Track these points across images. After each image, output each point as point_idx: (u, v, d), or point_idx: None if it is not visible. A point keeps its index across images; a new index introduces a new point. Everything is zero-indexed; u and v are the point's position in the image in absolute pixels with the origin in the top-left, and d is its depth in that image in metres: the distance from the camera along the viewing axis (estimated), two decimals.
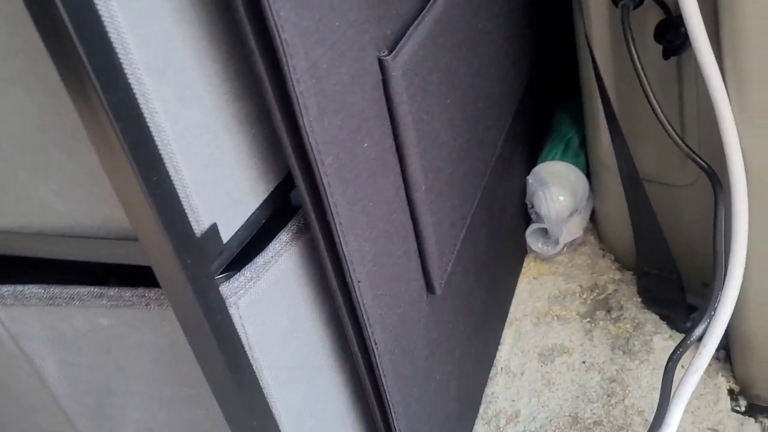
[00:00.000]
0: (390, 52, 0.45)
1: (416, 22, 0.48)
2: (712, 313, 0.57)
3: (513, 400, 0.77)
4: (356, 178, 0.43)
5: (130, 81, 0.31)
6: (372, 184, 0.45)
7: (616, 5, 0.68)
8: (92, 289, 0.40)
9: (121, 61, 0.30)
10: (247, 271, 0.41)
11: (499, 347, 0.84)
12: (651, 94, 0.66)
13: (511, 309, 0.88)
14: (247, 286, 0.40)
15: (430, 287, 0.56)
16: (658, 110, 0.65)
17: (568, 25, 0.83)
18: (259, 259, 0.41)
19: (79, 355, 0.45)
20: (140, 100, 0.31)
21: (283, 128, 0.37)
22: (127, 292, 0.40)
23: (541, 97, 0.99)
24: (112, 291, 0.40)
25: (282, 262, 0.43)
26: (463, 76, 0.58)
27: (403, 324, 0.52)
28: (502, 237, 0.82)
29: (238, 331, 0.40)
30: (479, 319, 0.75)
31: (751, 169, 0.59)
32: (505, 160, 0.80)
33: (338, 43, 0.39)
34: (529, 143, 0.94)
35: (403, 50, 0.45)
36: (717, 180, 0.63)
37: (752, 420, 0.72)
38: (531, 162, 0.94)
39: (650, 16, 0.71)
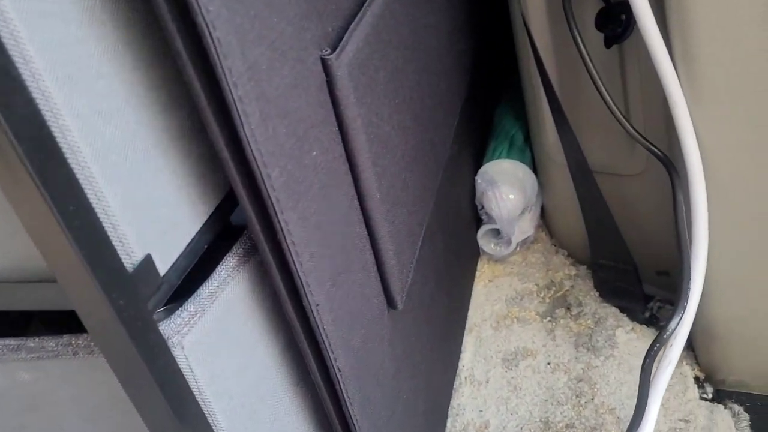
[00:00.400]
0: (333, 50, 0.40)
1: (358, 17, 0.44)
2: (685, 303, 0.55)
3: (480, 411, 0.74)
4: (307, 191, 0.38)
5: (33, 95, 0.26)
6: (325, 195, 0.41)
7: None
8: (8, 342, 0.34)
9: (20, 71, 0.25)
10: (191, 305, 0.36)
11: (461, 355, 0.80)
12: (600, 83, 0.64)
13: (470, 314, 0.85)
14: (191, 322, 0.35)
15: (391, 302, 0.52)
16: (609, 100, 0.63)
17: (505, 17, 0.81)
18: (203, 290, 0.37)
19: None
20: (47, 116, 0.26)
21: (221, 140, 0.33)
22: (50, 342, 0.34)
23: (484, 93, 0.97)
24: (32, 342, 0.34)
25: (230, 291, 0.38)
26: (409, 74, 0.54)
27: (366, 345, 0.48)
28: (456, 241, 0.79)
29: (184, 374, 0.35)
30: (441, 328, 0.71)
31: (706, 153, 0.57)
32: (455, 160, 0.77)
33: (278, 42, 0.35)
34: (475, 142, 0.91)
35: (347, 48, 0.41)
36: (672, 167, 0.61)
37: (721, 407, 0.71)
38: (477, 161, 0.92)
39: (589, 5, 0.70)
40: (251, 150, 0.33)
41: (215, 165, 0.37)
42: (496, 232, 0.90)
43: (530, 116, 0.87)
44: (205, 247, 0.37)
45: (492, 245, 0.91)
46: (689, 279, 0.56)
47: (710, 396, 0.74)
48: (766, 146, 0.55)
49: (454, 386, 0.77)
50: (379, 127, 0.47)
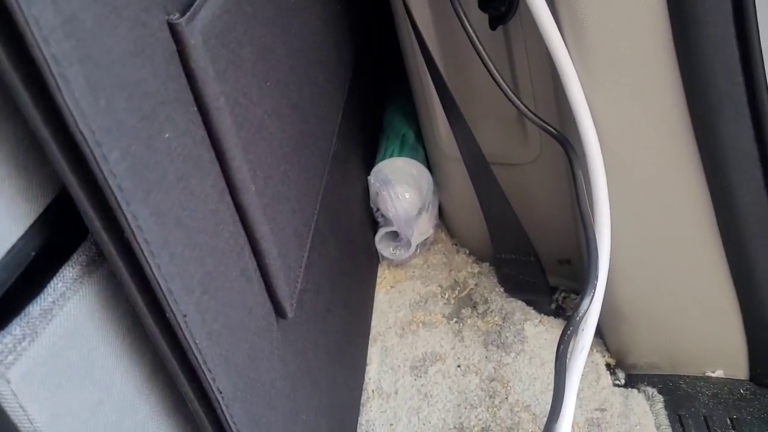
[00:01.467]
0: (182, 15, 0.34)
1: None
2: (595, 283, 0.53)
3: (391, 424, 0.69)
4: (161, 180, 0.32)
5: None
6: (185, 187, 0.34)
7: None
8: None
9: None
10: (16, 328, 0.28)
11: (367, 368, 0.75)
12: (490, 64, 0.61)
13: (373, 324, 0.80)
14: (18, 348, 0.28)
15: (279, 311, 0.46)
16: (501, 81, 0.60)
17: (386, 9, 0.77)
18: (34, 309, 0.29)
19: None
20: None
21: (36, 114, 0.26)
22: None
23: (370, 91, 0.93)
24: None
25: (71, 308, 0.31)
26: (282, 57, 0.49)
27: (253, 361, 0.42)
28: (352, 246, 0.74)
29: (12, 415, 0.28)
30: (341, 340, 0.66)
31: (600, 126, 0.55)
32: (342, 160, 0.72)
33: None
34: (365, 142, 0.87)
35: (199, 14, 0.35)
36: (569, 144, 0.59)
37: (635, 391, 0.69)
38: (369, 163, 0.87)
39: None
40: (77, 125, 0.26)
41: (39, 150, 0.30)
42: (395, 235, 0.86)
43: (421, 112, 0.84)
44: (33, 254, 0.30)
45: (391, 249, 0.86)
46: (596, 259, 0.53)
47: (623, 382, 0.72)
48: (658, 113, 0.53)
49: (362, 401, 0.71)
50: (249, 110, 0.41)
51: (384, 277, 0.87)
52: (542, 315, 0.76)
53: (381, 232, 0.85)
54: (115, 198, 0.29)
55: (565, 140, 0.59)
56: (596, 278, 0.52)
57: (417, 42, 0.72)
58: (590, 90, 0.54)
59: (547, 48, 0.55)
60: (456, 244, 0.91)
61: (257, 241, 0.42)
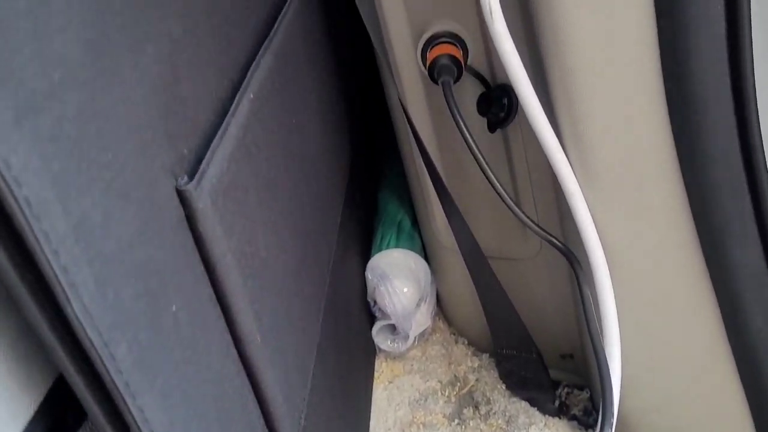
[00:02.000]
0: (191, 177, 0.34)
1: (220, 132, 0.37)
2: (612, 420, 0.51)
3: None
4: (168, 360, 0.30)
5: None
6: (192, 356, 0.33)
7: (436, 82, 0.63)
8: None
9: None
10: None
11: None
12: (489, 172, 0.61)
13: (372, 425, 0.78)
14: None
15: None
16: (501, 191, 0.60)
17: (381, 101, 0.77)
18: None
19: None
20: None
21: (43, 323, 0.25)
22: None
23: (366, 178, 0.92)
24: None
25: None
26: (284, 183, 0.48)
27: None
28: (351, 348, 0.72)
29: None
30: None
31: (607, 243, 0.55)
32: (341, 260, 0.71)
33: (116, 183, 0.28)
34: (361, 234, 0.86)
35: (208, 172, 0.35)
36: (575, 258, 0.58)
37: None
38: (365, 253, 0.86)
39: (468, 89, 0.67)
40: (86, 332, 0.25)
41: (40, 349, 0.28)
42: (392, 328, 0.84)
43: (417, 202, 0.83)
44: None
45: (389, 342, 0.85)
46: (610, 391, 0.51)
47: None
48: (666, 231, 0.53)
49: None
50: (254, 257, 0.40)
51: (381, 370, 0.84)
52: (547, 417, 0.75)
53: (378, 325, 0.83)
54: (122, 397, 0.27)
55: (570, 254, 0.58)
56: (612, 415, 0.50)
57: (414, 140, 0.72)
58: (595, 207, 0.54)
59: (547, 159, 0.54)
60: (454, 334, 0.89)
61: (262, 391, 0.40)
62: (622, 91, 0.48)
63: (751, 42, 0.44)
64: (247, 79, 0.43)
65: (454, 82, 0.63)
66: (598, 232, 0.54)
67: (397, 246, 0.85)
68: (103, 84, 0.27)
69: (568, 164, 0.53)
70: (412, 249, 0.85)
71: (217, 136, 0.37)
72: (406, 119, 0.70)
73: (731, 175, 0.49)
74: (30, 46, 0.23)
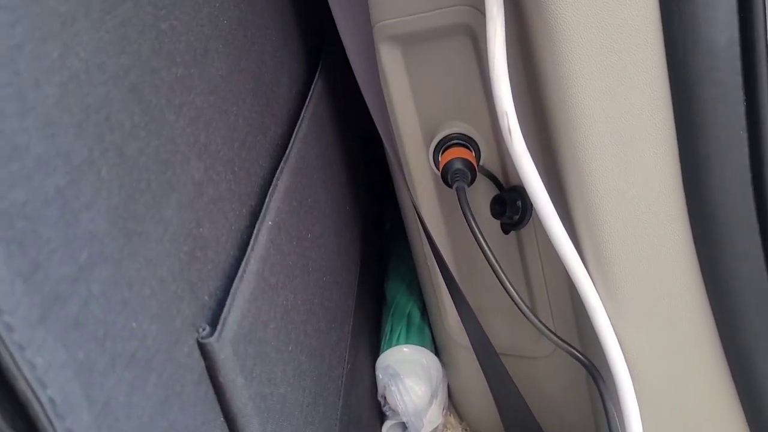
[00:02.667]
0: (212, 326, 0.32)
1: (240, 271, 0.36)
2: None
3: None
4: None
5: None
6: None
7: (450, 186, 0.62)
8: None
9: None
10: None
11: None
12: (506, 280, 0.59)
13: None
14: None
15: None
16: (517, 299, 0.59)
17: (390, 196, 0.77)
18: None
19: None
20: None
21: None
22: None
23: (376, 270, 0.91)
24: None
25: None
26: (300, 303, 0.47)
27: None
28: None
29: None
30: None
31: (630, 358, 0.53)
32: (353, 362, 0.69)
33: (139, 352, 0.26)
34: (371, 328, 0.84)
35: (229, 318, 0.33)
36: (596, 371, 0.57)
37: None
38: (375, 347, 0.84)
39: (481, 189, 0.67)
40: None
41: None
42: (403, 426, 0.81)
43: (427, 297, 0.82)
44: None
45: None
46: None
47: None
48: (691, 349, 0.51)
49: None
50: (273, 396, 0.38)
51: None
52: None
53: (388, 424, 0.81)
54: None
55: (591, 365, 0.57)
56: None
57: (426, 239, 0.71)
58: (615, 319, 0.52)
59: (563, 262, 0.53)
60: (467, 429, 0.86)
61: None
62: (643, 206, 0.47)
63: None
64: (265, 204, 0.43)
65: (468, 186, 0.62)
66: (620, 346, 0.53)
67: (407, 341, 0.83)
68: (129, 251, 0.27)
69: (588, 277, 0.52)
70: (422, 344, 0.84)
71: (237, 277, 0.36)
72: (417, 218, 0.70)
73: (756, 289, 0.48)
74: (58, 232, 0.22)
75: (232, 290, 0.35)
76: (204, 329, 0.32)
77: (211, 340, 0.31)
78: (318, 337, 0.51)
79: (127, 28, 0.28)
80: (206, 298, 0.33)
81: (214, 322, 0.33)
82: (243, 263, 0.37)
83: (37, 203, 0.21)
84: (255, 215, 0.42)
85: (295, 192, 0.49)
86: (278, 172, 0.46)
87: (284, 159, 0.48)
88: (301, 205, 0.50)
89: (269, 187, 0.45)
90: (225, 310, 0.34)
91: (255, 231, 0.40)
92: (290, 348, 0.43)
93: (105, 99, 0.26)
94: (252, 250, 0.38)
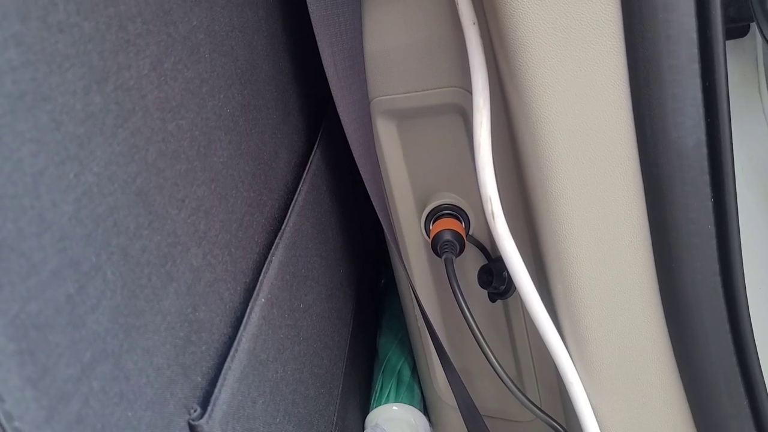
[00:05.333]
0: (203, 407, 0.35)
1: (232, 352, 0.39)
2: None
3: None
4: None
5: None
6: None
7: (439, 256, 0.65)
8: None
9: None
10: None
11: None
12: (491, 355, 0.62)
13: None
14: None
15: None
16: (502, 374, 0.61)
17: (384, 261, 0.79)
18: None
19: None
20: None
21: None
22: None
23: (368, 329, 0.93)
24: None
25: None
26: (290, 374, 0.49)
27: None
28: None
29: None
30: None
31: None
32: (341, 423, 0.70)
33: None
34: (362, 387, 0.86)
35: (220, 399, 0.36)
36: None
37: None
38: (365, 402, 0.86)
39: (470, 258, 0.70)
40: None
41: None
42: None
43: (417, 357, 0.84)
44: None
45: None
46: None
47: None
48: (666, 422, 0.53)
49: None
50: None
51: None
52: None
53: None
54: None
55: None
56: None
57: (416, 303, 0.73)
58: (594, 396, 0.54)
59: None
60: None
61: None
62: (618, 291, 0.50)
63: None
64: (259, 281, 0.45)
65: (456, 256, 0.65)
66: (597, 421, 0.54)
67: (396, 399, 0.85)
68: (128, 346, 0.29)
69: (567, 353, 0.54)
70: (411, 402, 0.85)
71: (230, 356, 0.38)
72: (408, 282, 0.72)
73: (726, 370, 0.50)
74: (65, 337, 0.25)
75: (223, 370, 0.37)
76: (195, 410, 0.34)
77: (201, 422, 0.34)
78: (306, 405, 0.53)
79: (136, 138, 0.31)
80: (199, 379, 0.36)
81: (205, 403, 0.35)
82: (235, 342, 0.39)
83: (48, 313, 0.24)
84: (249, 291, 0.44)
85: (289, 266, 0.51)
86: (273, 247, 0.49)
87: (280, 234, 0.51)
88: (294, 278, 0.52)
89: (264, 262, 0.47)
90: (216, 390, 0.36)
91: (248, 309, 0.42)
92: (278, 420, 0.45)
93: (113, 207, 0.29)
94: (244, 329, 0.41)
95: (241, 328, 0.41)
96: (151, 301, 0.31)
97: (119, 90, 0.30)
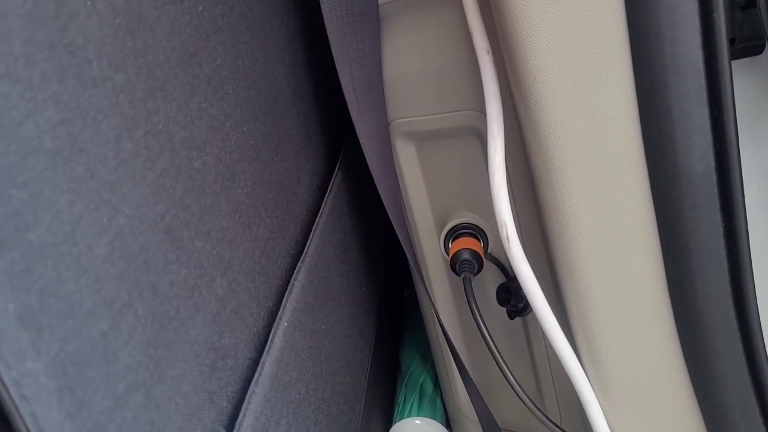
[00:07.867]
0: (229, 431, 0.37)
1: (256, 375, 0.41)
2: None
3: None
4: None
5: None
6: None
7: (458, 275, 0.66)
8: None
9: None
10: None
11: None
12: (505, 367, 0.63)
13: None
14: None
15: None
16: (521, 392, 0.62)
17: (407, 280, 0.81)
18: None
19: None
20: None
21: None
22: None
23: (391, 343, 0.95)
24: None
25: None
26: (312, 394, 0.51)
27: None
28: None
29: None
30: None
31: None
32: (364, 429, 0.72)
33: None
34: (385, 401, 0.87)
35: (244, 424, 0.38)
36: None
37: None
38: (388, 416, 0.87)
39: (489, 276, 0.71)
40: None
41: None
42: None
43: (439, 373, 0.85)
44: None
45: None
46: None
47: None
48: None
49: None
50: None
51: None
52: None
53: None
54: None
55: None
56: None
57: (437, 321, 0.74)
58: (611, 416, 0.55)
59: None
60: None
61: None
62: (633, 313, 0.51)
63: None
64: (282, 305, 0.47)
65: (475, 275, 0.66)
66: None
67: (419, 413, 0.86)
68: (158, 376, 0.31)
69: (583, 372, 0.55)
70: (434, 416, 0.86)
71: (254, 381, 0.40)
72: (429, 299, 0.74)
73: (740, 391, 0.51)
74: (100, 372, 0.27)
75: (248, 394, 0.39)
76: None
77: None
78: (328, 423, 0.54)
79: (164, 178, 0.33)
80: (224, 403, 0.38)
81: (230, 426, 0.37)
82: (259, 366, 0.41)
83: (85, 350, 0.26)
84: (272, 315, 0.46)
85: (311, 288, 0.53)
86: (296, 272, 0.51)
87: (302, 258, 0.53)
88: (316, 300, 0.54)
89: (287, 287, 0.49)
90: (240, 414, 0.38)
91: (271, 333, 0.44)
92: None
93: (143, 246, 0.31)
94: (268, 353, 0.43)
95: (265, 352, 0.42)
96: (179, 332, 0.33)
97: (148, 135, 0.32)
